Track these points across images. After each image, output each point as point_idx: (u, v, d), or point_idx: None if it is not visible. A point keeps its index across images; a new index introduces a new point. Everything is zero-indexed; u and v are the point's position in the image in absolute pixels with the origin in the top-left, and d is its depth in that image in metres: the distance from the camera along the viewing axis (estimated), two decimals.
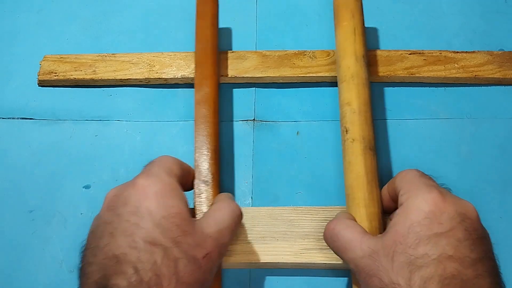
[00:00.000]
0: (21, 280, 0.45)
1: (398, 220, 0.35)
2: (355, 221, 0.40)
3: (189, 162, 0.50)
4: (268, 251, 0.43)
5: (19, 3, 0.59)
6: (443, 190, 0.36)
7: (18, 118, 0.52)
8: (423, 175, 0.38)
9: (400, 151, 0.50)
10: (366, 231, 0.38)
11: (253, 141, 0.51)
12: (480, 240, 0.34)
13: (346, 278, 0.44)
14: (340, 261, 0.43)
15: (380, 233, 0.40)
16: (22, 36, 0.57)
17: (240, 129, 0.51)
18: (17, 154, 0.50)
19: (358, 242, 0.36)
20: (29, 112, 0.52)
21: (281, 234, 0.44)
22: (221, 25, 0.57)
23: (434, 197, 0.35)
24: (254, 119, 0.52)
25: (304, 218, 0.45)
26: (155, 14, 0.58)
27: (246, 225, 0.44)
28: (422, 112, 0.51)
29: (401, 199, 0.37)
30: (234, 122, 0.52)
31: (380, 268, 0.34)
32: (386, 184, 0.42)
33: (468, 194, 0.48)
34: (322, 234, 0.42)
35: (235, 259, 0.43)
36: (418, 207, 0.34)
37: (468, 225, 0.34)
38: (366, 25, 0.57)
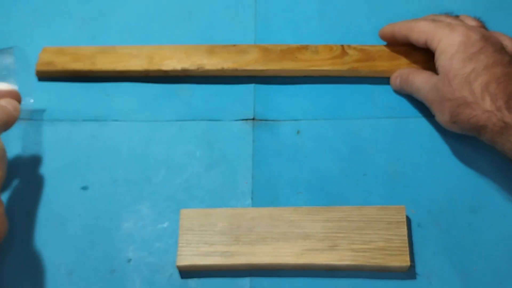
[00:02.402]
0: (18, 283, 0.44)
1: (441, 59, 0.45)
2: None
3: (187, 160, 0.49)
4: (269, 252, 0.43)
5: (15, 1, 0.58)
6: (462, 22, 0.48)
7: None
8: (434, 19, 0.49)
9: (402, 149, 0.49)
10: (432, 73, 0.47)
11: (253, 140, 0.50)
12: (503, 47, 0.45)
13: (347, 279, 0.44)
14: (341, 262, 0.42)
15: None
16: (18, 34, 0.56)
17: (240, 129, 0.51)
18: (13, 155, 0.49)
19: (426, 82, 0.47)
20: (26, 112, 0.51)
21: (282, 235, 0.44)
22: (220, 20, 0.57)
23: (460, 30, 0.45)
24: (253, 118, 0.51)
25: (305, 218, 0.44)
26: (153, 10, 0.58)
27: (246, 226, 0.44)
28: (424, 111, 0.51)
29: (432, 45, 0.47)
30: (234, 121, 0.51)
31: (444, 93, 0.44)
32: (390, 32, 0.51)
33: (472, 191, 0.47)
34: (323, 236, 0.42)
35: (236, 260, 0.43)
36: (451, 43, 0.45)
37: (492, 40, 0.45)
38: (367, 21, 0.57)
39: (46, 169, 0.49)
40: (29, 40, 0.56)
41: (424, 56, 0.51)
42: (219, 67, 0.51)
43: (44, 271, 0.44)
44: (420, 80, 0.48)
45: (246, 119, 0.51)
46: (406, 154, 0.49)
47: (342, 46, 0.52)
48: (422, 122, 0.51)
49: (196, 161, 0.49)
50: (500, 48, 0.45)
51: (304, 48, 0.52)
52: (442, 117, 0.46)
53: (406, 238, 0.43)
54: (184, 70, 0.51)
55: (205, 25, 0.57)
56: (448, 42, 0.45)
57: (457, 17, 0.50)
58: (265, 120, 0.51)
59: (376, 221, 0.44)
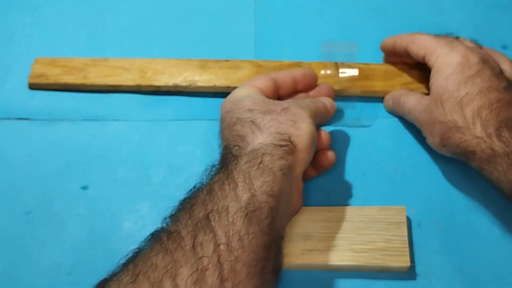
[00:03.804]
0: (18, 283, 0.44)
1: (436, 78, 0.44)
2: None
3: (188, 160, 0.49)
4: None
5: (14, 3, 0.58)
6: (462, 41, 0.46)
7: (14, 119, 0.51)
8: (436, 36, 0.47)
9: (402, 149, 0.49)
10: (423, 95, 0.47)
11: None
12: (501, 72, 0.43)
13: (347, 279, 0.44)
14: (341, 263, 0.42)
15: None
16: (17, 35, 0.56)
17: None
18: (13, 155, 0.49)
19: (417, 103, 0.46)
20: (25, 112, 0.52)
21: None
22: (220, 21, 0.57)
23: (460, 50, 0.44)
24: None
25: (306, 218, 0.44)
26: (154, 9, 0.58)
27: None
28: None
29: (429, 61, 0.45)
30: None
31: (436, 115, 0.43)
32: (391, 43, 0.50)
33: (472, 190, 0.47)
34: (323, 236, 0.43)
35: None
36: (449, 62, 0.44)
37: (491, 64, 0.43)
38: (367, 21, 0.56)
39: (45, 169, 0.49)
40: (28, 40, 0.56)
41: (420, 76, 0.51)
42: (211, 84, 0.51)
43: (43, 272, 0.44)
44: (411, 101, 0.47)
45: None
46: (406, 154, 0.49)
47: (336, 63, 0.51)
48: None
49: (196, 161, 0.49)
50: (498, 73, 0.43)
51: (297, 65, 0.52)
52: (433, 140, 0.45)
53: (406, 238, 0.43)
54: (175, 86, 0.51)
55: (205, 26, 0.57)
56: (446, 61, 0.44)
57: (457, 38, 0.48)
58: None
59: (376, 222, 0.44)
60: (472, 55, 0.43)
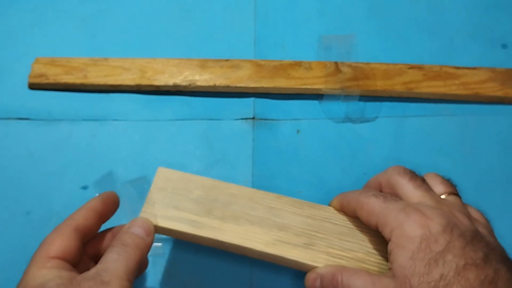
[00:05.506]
0: None
1: (397, 254, 0.35)
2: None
3: (188, 160, 0.49)
4: (239, 233, 0.40)
5: (14, 3, 0.58)
6: (416, 203, 0.37)
7: (14, 119, 0.51)
8: (386, 198, 0.38)
9: (402, 149, 0.49)
10: (376, 274, 0.36)
11: (253, 140, 0.50)
12: (475, 236, 0.35)
13: None
14: (313, 263, 0.39)
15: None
16: (16, 35, 0.56)
17: (240, 128, 0.51)
18: (13, 155, 0.50)
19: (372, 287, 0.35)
20: (25, 112, 0.52)
21: (257, 219, 0.41)
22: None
23: (417, 219, 0.35)
24: (253, 117, 0.51)
25: (287, 209, 0.41)
26: (153, 9, 0.58)
27: (223, 201, 0.41)
28: (424, 110, 0.51)
29: (385, 234, 0.36)
30: (234, 121, 0.51)
31: None
32: (339, 205, 0.42)
33: (472, 190, 0.47)
34: (301, 231, 0.41)
35: (202, 232, 0.40)
36: (408, 235, 0.34)
37: (460, 228, 0.35)
38: (367, 22, 0.56)
39: (45, 169, 0.49)
40: (28, 40, 0.56)
41: (420, 75, 0.51)
42: (211, 83, 0.51)
43: None
44: (360, 284, 0.35)
45: (246, 118, 0.51)
46: (406, 154, 0.49)
47: (336, 63, 0.52)
48: (422, 122, 0.51)
49: (196, 160, 0.49)
50: (471, 239, 0.34)
51: (298, 64, 0.52)
52: None
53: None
54: (175, 86, 0.51)
55: (205, 25, 0.57)
56: (405, 233, 0.35)
57: (422, 179, 0.39)
58: (265, 119, 0.51)
59: (361, 231, 0.41)
60: (433, 223, 0.34)
